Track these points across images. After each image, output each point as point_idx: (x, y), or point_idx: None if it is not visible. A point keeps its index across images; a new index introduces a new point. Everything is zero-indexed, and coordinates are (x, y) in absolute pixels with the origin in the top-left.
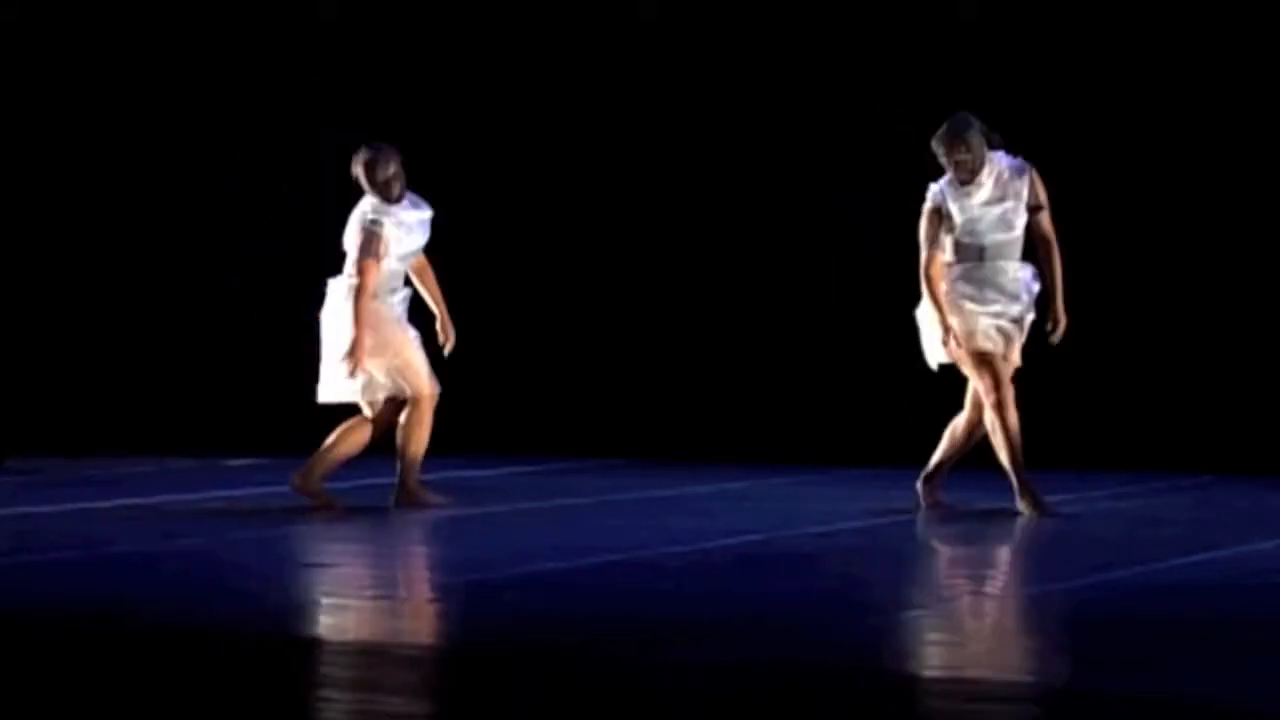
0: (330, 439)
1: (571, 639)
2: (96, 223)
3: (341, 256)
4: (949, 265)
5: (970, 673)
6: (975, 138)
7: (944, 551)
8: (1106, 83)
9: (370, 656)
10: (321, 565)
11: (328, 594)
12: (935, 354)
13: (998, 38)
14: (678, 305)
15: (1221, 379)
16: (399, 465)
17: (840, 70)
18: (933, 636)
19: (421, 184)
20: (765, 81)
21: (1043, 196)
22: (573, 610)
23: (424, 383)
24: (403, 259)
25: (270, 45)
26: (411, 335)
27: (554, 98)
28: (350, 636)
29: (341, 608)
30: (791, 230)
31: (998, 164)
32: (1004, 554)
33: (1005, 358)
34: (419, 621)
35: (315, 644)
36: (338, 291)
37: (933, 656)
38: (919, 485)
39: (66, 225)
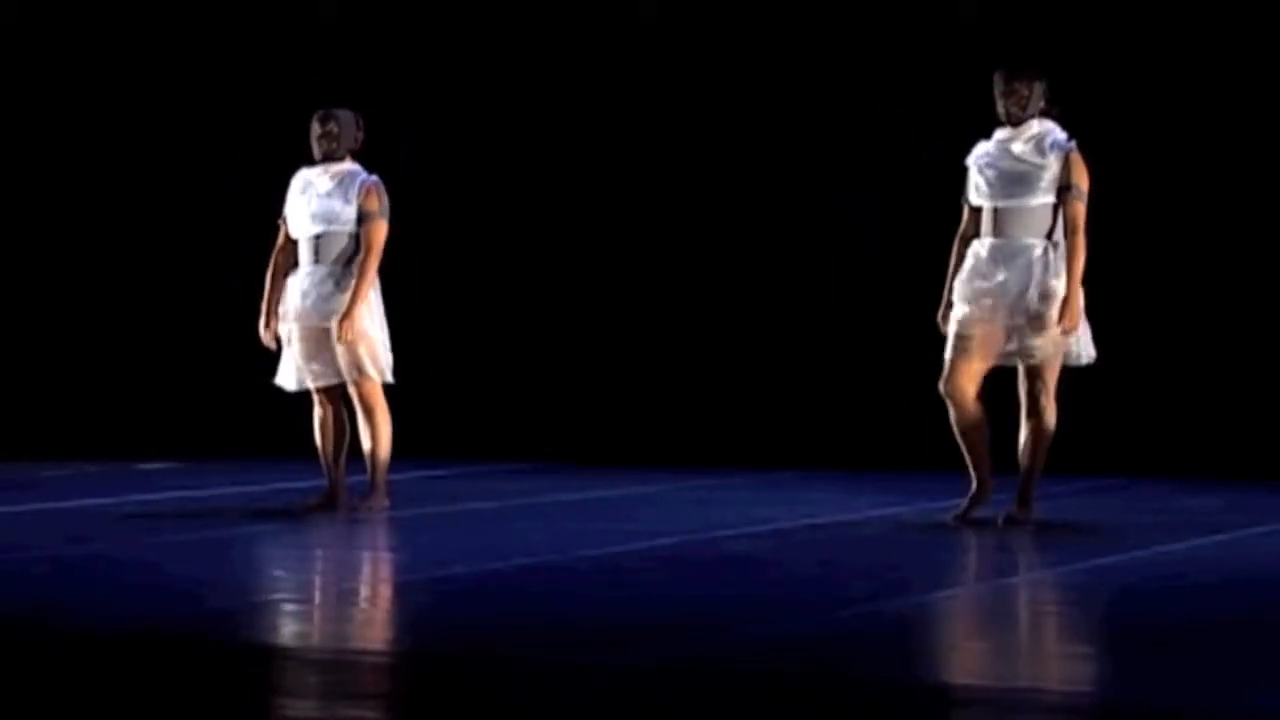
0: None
1: (487, 643)
2: (96, 224)
3: None
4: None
5: (888, 675)
6: (1039, 86)
7: (859, 556)
8: (1108, 83)
9: (290, 661)
10: (246, 569)
11: (252, 598)
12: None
13: (998, 38)
14: (659, 307)
15: (1134, 381)
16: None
17: (840, 70)
18: (848, 638)
19: (420, 182)
20: (765, 81)
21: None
22: (487, 615)
23: (280, 378)
24: (298, 227)
25: (270, 45)
26: (287, 327)
27: (553, 98)
28: (269, 641)
29: (262, 611)
30: (791, 230)
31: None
32: (920, 558)
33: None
34: (336, 625)
35: (242, 648)
36: None
37: (849, 659)
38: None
39: (65, 226)
